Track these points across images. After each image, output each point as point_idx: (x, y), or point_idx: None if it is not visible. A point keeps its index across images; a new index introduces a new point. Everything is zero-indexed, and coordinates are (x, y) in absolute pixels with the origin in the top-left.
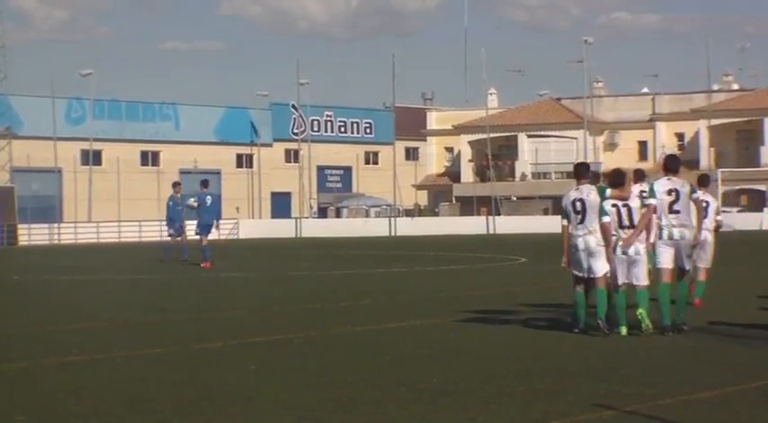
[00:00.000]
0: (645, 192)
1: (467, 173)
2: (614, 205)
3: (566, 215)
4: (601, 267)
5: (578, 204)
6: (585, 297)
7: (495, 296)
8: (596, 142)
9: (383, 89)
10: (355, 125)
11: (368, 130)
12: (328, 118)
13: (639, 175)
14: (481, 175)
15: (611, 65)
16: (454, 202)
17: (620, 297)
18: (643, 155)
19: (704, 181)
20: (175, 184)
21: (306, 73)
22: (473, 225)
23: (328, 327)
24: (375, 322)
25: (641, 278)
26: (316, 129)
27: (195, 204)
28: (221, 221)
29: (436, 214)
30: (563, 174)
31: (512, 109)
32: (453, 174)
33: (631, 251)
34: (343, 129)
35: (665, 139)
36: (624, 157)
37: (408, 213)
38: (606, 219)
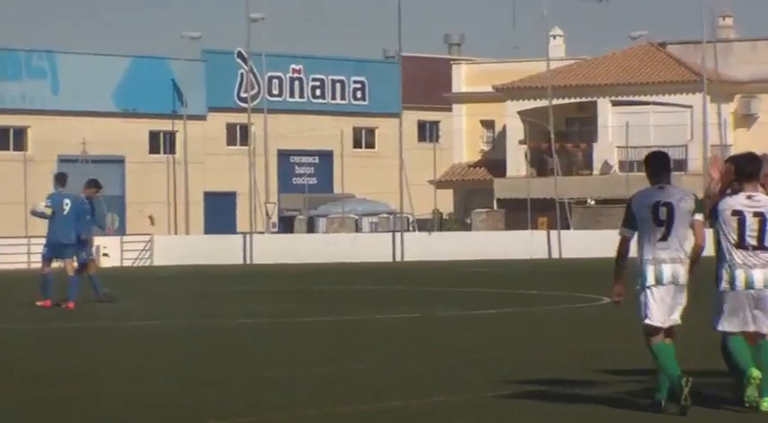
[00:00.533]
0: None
1: (516, 162)
2: (737, 212)
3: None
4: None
5: (663, 210)
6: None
7: (561, 357)
8: (723, 113)
9: (383, 30)
10: (339, 86)
11: (359, 94)
12: (296, 75)
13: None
14: (539, 164)
15: None
16: (496, 207)
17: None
18: None
19: None
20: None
21: (260, 3)
22: (525, 244)
23: (296, 407)
24: (371, 399)
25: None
26: (276, 92)
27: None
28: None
29: (467, 227)
30: (671, 162)
31: (588, 60)
32: (495, 163)
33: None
34: (319, 92)
35: None
36: (767, 137)
37: (423, 226)
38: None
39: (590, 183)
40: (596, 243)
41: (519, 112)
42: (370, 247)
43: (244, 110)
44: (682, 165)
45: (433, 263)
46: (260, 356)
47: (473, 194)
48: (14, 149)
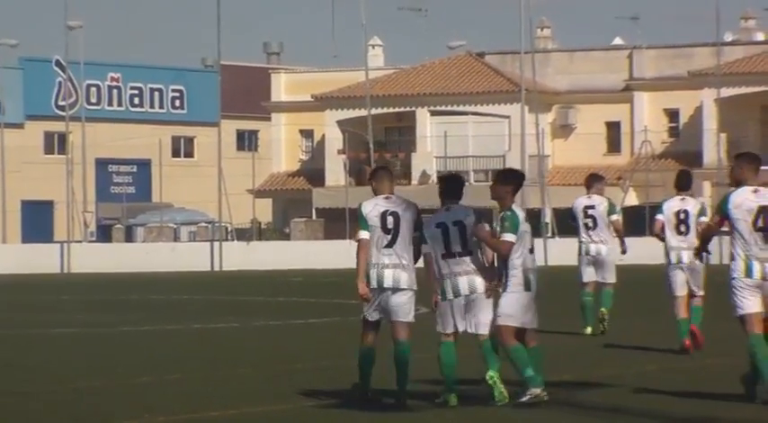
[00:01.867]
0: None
1: (335, 171)
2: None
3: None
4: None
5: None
6: None
7: (382, 367)
8: (541, 123)
9: (203, 38)
10: (157, 94)
11: (177, 103)
12: (114, 83)
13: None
14: (358, 174)
15: (566, 2)
16: (315, 217)
17: None
18: (614, 144)
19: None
20: None
21: (78, 12)
22: (344, 253)
23: (111, 419)
24: (186, 410)
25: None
26: (94, 100)
27: None
28: None
29: (286, 236)
30: (487, 173)
31: (406, 70)
32: (313, 173)
33: None
34: (137, 100)
35: (647, 119)
36: (584, 148)
37: (242, 235)
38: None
39: (409, 192)
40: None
41: (338, 122)
42: (189, 257)
43: (62, 118)
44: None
45: (252, 272)
46: (75, 366)
47: (292, 204)
48: None
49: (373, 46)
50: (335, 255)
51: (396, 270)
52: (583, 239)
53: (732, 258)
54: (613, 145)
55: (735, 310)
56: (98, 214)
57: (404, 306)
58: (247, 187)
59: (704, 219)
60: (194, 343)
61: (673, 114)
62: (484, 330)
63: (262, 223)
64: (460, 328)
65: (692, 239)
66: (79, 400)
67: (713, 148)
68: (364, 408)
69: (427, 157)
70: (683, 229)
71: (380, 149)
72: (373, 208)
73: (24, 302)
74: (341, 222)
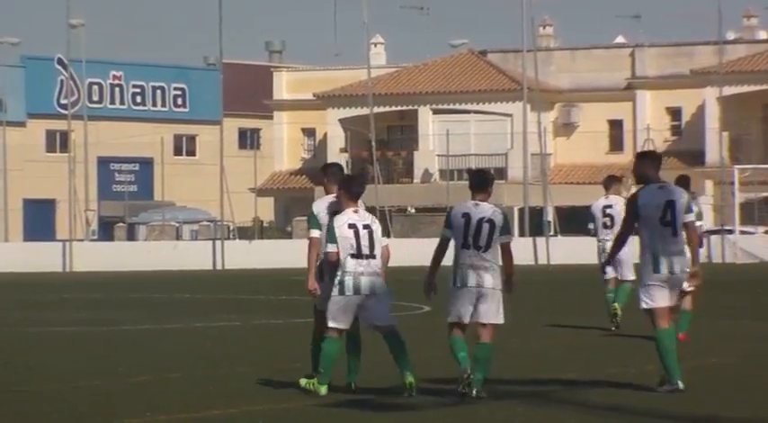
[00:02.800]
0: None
1: None
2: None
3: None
4: None
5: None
6: None
7: (385, 366)
8: (543, 121)
9: (204, 37)
10: (159, 93)
11: (180, 101)
12: (116, 81)
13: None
14: (360, 172)
15: (568, 2)
16: None
17: None
18: (616, 142)
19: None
20: None
21: (80, 10)
22: None
23: (112, 417)
24: (187, 408)
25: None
26: (96, 98)
27: None
28: None
29: (288, 235)
30: (491, 171)
31: (408, 68)
32: (316, 171)
33: None
34: (139, 99)
35: (650, 118)
36: (587, 146)
37: (243, 234)
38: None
39: (410, 191)
40: (419, 251)
41: (340, 120)
42: (191, 255)
43: (64, 116)
44: (502, 173)
45: (254, 271)
46: (76, 365)
47: (294, 202)
48: None
49: (375, 44)
50: None
51: (371, 277)
52: (601, 238)
53: (641, 254)
54: (616, 143)
55: (642, 304)
56: (100, 213)
57: (386, 305)
58: (249, 186)
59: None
60: (196, 341)
61: (675, 113)
62: (497, 320)
63: (264, 222)
64: (466, 320)
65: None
66: (80, 398)
67: (716, 147)
68: (364, 407)
69: (429, 155)
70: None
71: (383, 148)
72: (342, 219)
73: (26, 301)
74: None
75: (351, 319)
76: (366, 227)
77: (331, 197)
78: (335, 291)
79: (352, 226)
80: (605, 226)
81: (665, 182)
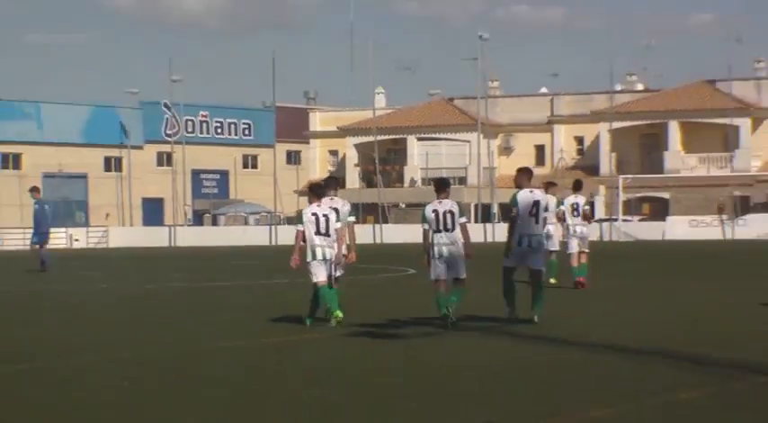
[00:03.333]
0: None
1: (352, 178)
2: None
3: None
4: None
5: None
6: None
7: (382, 309)
8: (491, 146)
9: (263, 87)
10: (233, 126)
11: (246, 132)
12: (204, 118)
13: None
14: (368, 180)
15: (509, 63)
16: None
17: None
18: (540, 160)
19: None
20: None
21: (179, 69)
22: (359, 234)
23: (204, 342)
24: (256, 337)
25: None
26: (190, 130)
27: None
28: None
29: None
30: (455, 179)
31: (401, 110)
32: (338, 179)
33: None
34: (219, 130)
35: (563, 143)
36: (520, 162)
37: (290, 221)
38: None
39: (402, 193)
40: (407, 234)
41: (354, 145)
42: (255, 236)
43: (168, 142)
44: (463, 181)
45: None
46: (172, 313)
47: None
48: (13, 169)
49: (378, 93)
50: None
51: (328, 248)
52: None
53: (514, 233)
54: (539, 160)
55: (506, 263)
56: (193, 207)
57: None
58: (293, 189)
59: (587, 208)
60: (263, 294)
61: (580, 140)
62: (462, 276)
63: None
64: (443, 277)
65: (581, 220)
66: (203, 326)
67: (607, 163)
68: (366, 336)
69: (414, 169)
70: (576, 214)
71: (383, 164)
72: (309, 211)
73: (144, 267)
74: (356, 213)
75: (326, 274)
76: (324, 215)
77: (315, 205)
78: (310, 256)
79: (314, 214)
80: (575, 214)
81: (534, 188)
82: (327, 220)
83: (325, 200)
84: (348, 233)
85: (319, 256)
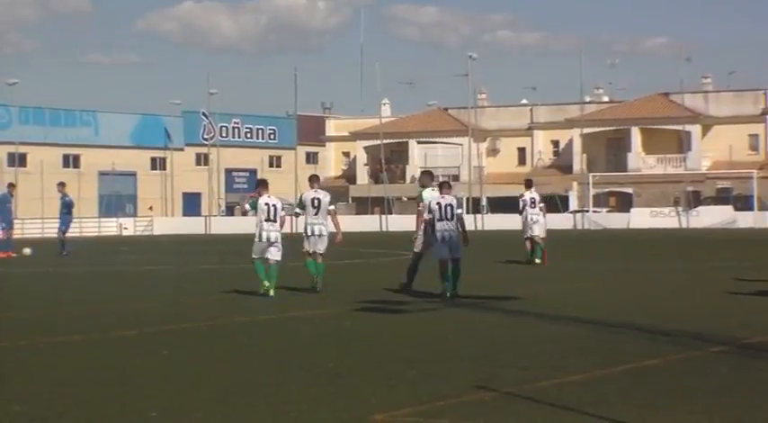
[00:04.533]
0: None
1: (362, 176)
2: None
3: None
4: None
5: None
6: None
7: (388, 288)
8: (480, 148)
9: (287, 99)
10: (260, 131)
11: (272, 136)
12: (236, 125)
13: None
14: (375, 177)
15: (494, 78)
16: (350, 202)
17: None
18: (522, 160)
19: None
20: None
21: (216, 84)
22: (368, 223)
23: (233, 316)
24: (276, 312)
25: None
26: (224, 134)
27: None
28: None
29: (333, 214)
30: (449, 177)
31: (403, 118)
32: (350, 176)
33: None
34: (249, 135)
35: (541, 146)
36: (505, 162)
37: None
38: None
39: (404, 188)
40: (409, 223)
41: (364, 148)
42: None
43: (205, 145)
44: (457, 177)
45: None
46: (218, 286)
47: (338, 194)
48: (73, 167)
49: (384, 103)
50: (362, 223)
51: (275, 232)
52: (526, 214)
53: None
54: (521, 160)
55: (435, 255)
56: (226, 200)
57: (325, 243)
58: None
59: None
60: (284, 272)
61: (556, 143)
62: (458, 255)
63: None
64: (446, 257)
65: (538, 211)
66: (232, 303)
67: (579, 163)
68: (369, 311)
69: (415, 168)
70: (533, 206)
71: (388, 163)
72: (308, 195)
73: (185, 250)
74: (366, 205)
75: (265, 254)
76: (273, 205)
77: (266, 196)
78: (257, 238)
79: (266, 204)
80: (532, 206)
81: (436, 187)
82: (275, 209)
83: (310, 190)
84: (332, 218)
85: (264, 238)
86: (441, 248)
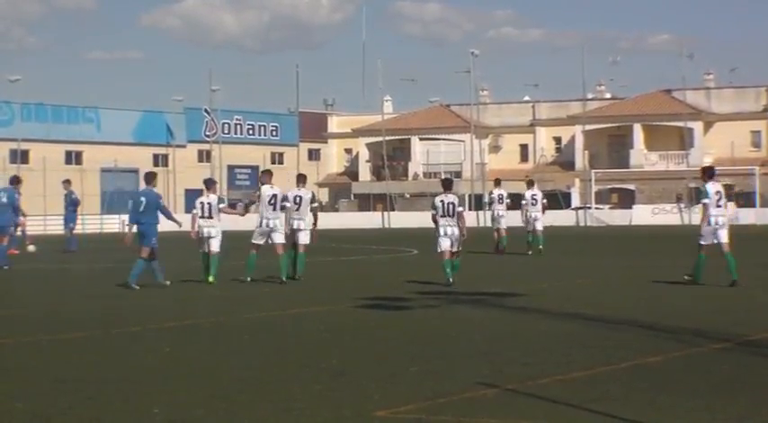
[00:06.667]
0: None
1: (364, 172)
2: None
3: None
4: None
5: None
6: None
7: (390, 284)
8: (482, 145)
9: (289, 96)
10: (262, 128)
11: (274, 133)
12: (238, 121)
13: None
14: (377, 174)
15: (497, 75)
16: (353, 198)
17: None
18: (524, 157)
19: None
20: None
21: (218, 80)
22: (370, 220)
23: (236, 312)
24: (279, 308)
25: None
26: (226, 131)
27: None
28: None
29: (336, 210)
30: (452, 173)
31: (405, 114)
32: (352, 173)
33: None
34: (251, 131)
35: (543, 143)
36: (507, 159)
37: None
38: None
39: (406, 184)
40: (411, 220)
41: (366, 144)
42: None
43: (207, 142)
44: (459, 174)
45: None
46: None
47: (340, 191)
48: (75, 164)
49: (386, 100)
50: (364, 220)
51: (299, 221)
52: (529, 211)
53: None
54: (524, 157)
55: (438, 249)
56: (228, 197)
57: (306, 236)
58: (315, 181)
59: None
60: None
61: (558, 140)
62: (456, 249)
63: (322, 202)
64: (447, 249)
65: (539, 208)
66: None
67: (581, 160)
68: (371, 307)
69: (417, 164)
70: (534, 203)
71: (390, 160)
72: (290, 193)
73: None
74: (368, 201)
75: (206, 246)
76: (208, 203)
77: (204, 196)
78: (258, 225)
79: (201, 202)
80: (533, 205)
81: (274, 185)
82: (210, 207)
83: (266, 187)
84: (312, 216)
85: (205, 233)
86: (443, 241)
